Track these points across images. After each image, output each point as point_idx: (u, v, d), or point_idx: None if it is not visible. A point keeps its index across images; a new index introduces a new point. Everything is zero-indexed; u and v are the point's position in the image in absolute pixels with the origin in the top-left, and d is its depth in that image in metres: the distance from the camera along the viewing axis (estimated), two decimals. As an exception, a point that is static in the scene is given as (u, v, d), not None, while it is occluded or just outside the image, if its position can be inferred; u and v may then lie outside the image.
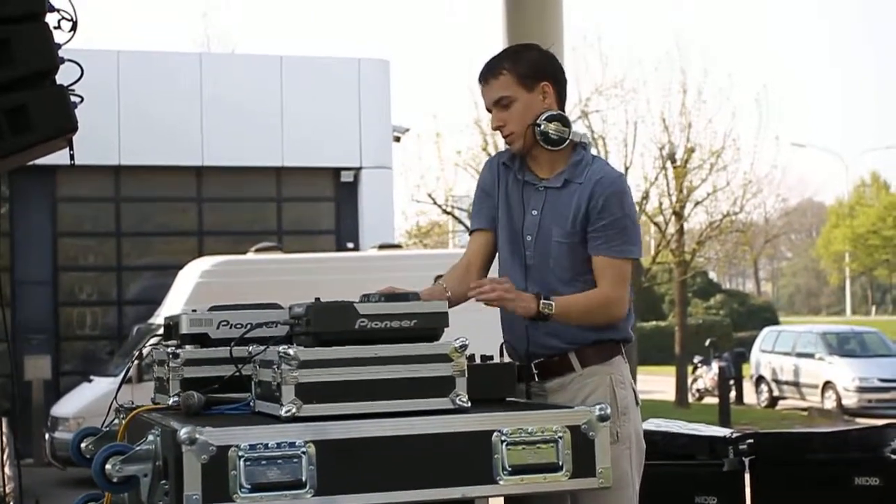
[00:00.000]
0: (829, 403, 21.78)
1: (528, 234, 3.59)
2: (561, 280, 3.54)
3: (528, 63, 3.58)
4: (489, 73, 3.60)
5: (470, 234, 3.83)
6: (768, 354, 23.90)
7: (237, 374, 3.06)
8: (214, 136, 19.12)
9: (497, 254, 3.75)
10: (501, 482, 2.80)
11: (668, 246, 21.52)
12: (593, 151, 3.71)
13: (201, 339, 3.27)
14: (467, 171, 21.08)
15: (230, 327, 3.26)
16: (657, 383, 28.11)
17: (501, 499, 3.28)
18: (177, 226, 19.99)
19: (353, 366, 2.80)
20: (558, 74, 3.65)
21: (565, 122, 3.55)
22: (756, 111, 22.46)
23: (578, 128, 3.71)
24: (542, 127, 3.52)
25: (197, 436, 2.57)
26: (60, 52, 3.71)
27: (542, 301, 3.39)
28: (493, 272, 3.73)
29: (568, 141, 3.55)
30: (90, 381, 15.50)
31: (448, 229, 28.30)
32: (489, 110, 3.64)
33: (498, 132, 3.64)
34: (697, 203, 22.10)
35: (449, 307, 3.04)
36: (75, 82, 3.77)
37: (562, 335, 3.51)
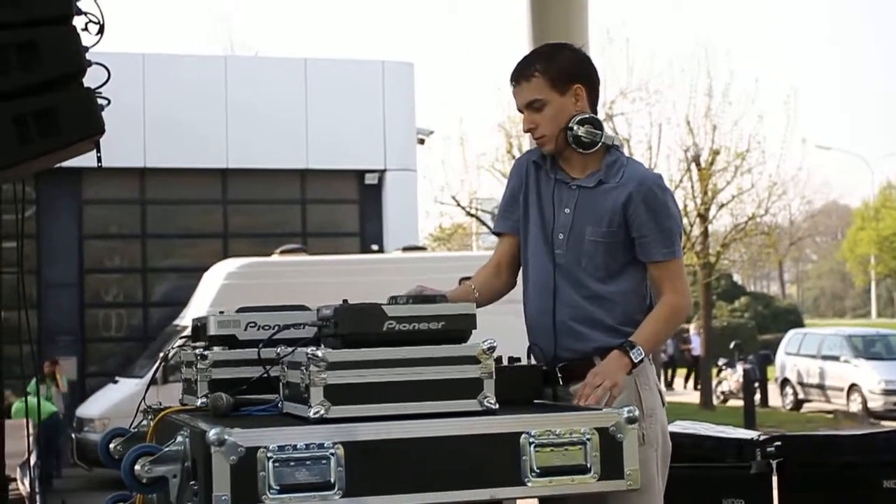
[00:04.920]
0: (855, 406, 21.64)
1: (559, 233, 3.55)
2: (593, 278, 3.51)
3: (561, 65, 3.54)
4: (521, 74, 3.55)
5: (495, 235, 3.82)
6: (793, 357, 23.76)
7: (265, 375, 3.07)
8: (239, 139, 19.19)
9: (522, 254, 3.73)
10: (530, 484, 2.79)
11: (693, 248, 21.43)
12: (620, 153, 3.68)
13: (229, 341, 3.27)
14: (491, 174, 21.07)
15: (258, 329, 3.26)
16: (682, 386, 28.05)
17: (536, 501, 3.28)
18: (202, 228, 20.06)
19: (382, 367, 2.79)
20: (592, 76, 3.61)
21: (597, 125, 3.52)
22: (784, 114, 22.23)
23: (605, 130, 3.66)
24: (575, 130, 3.49)
25: (226, 437, 2.57)
26: (87, 55, 3.73)
27: (630, 355, 3.38)
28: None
29: (600, 143, 3.53)
30: (116, 382, 15.58)
31: (471, 231, 28.30)
32: (521, 111, 3.60)
33: (528, 134, 3.62)
34: (722, 205, 22.03)
35: (477, 307, 3.02)
36: (102, 85, 3.78)
37: (587, 339, 3.49)
